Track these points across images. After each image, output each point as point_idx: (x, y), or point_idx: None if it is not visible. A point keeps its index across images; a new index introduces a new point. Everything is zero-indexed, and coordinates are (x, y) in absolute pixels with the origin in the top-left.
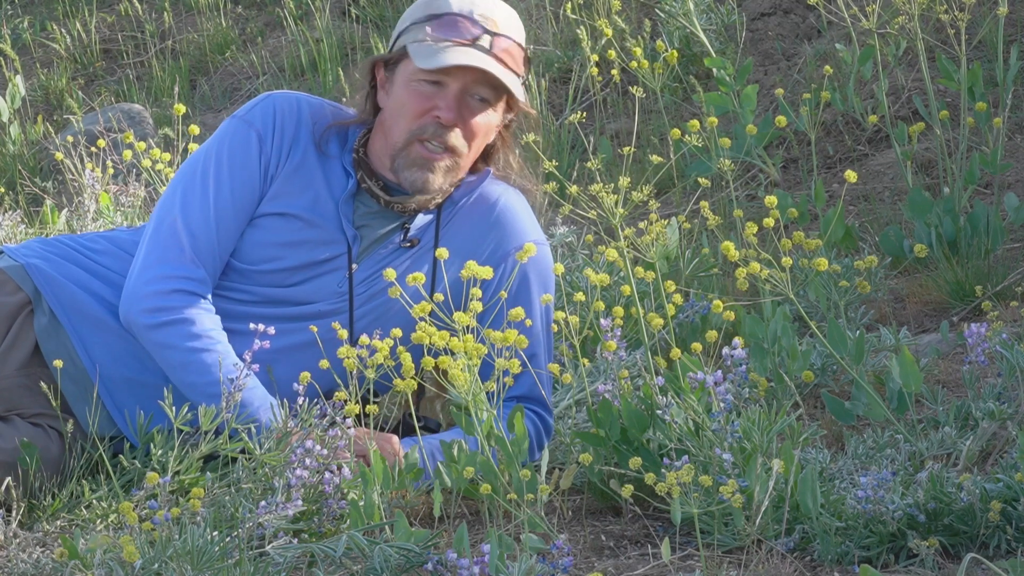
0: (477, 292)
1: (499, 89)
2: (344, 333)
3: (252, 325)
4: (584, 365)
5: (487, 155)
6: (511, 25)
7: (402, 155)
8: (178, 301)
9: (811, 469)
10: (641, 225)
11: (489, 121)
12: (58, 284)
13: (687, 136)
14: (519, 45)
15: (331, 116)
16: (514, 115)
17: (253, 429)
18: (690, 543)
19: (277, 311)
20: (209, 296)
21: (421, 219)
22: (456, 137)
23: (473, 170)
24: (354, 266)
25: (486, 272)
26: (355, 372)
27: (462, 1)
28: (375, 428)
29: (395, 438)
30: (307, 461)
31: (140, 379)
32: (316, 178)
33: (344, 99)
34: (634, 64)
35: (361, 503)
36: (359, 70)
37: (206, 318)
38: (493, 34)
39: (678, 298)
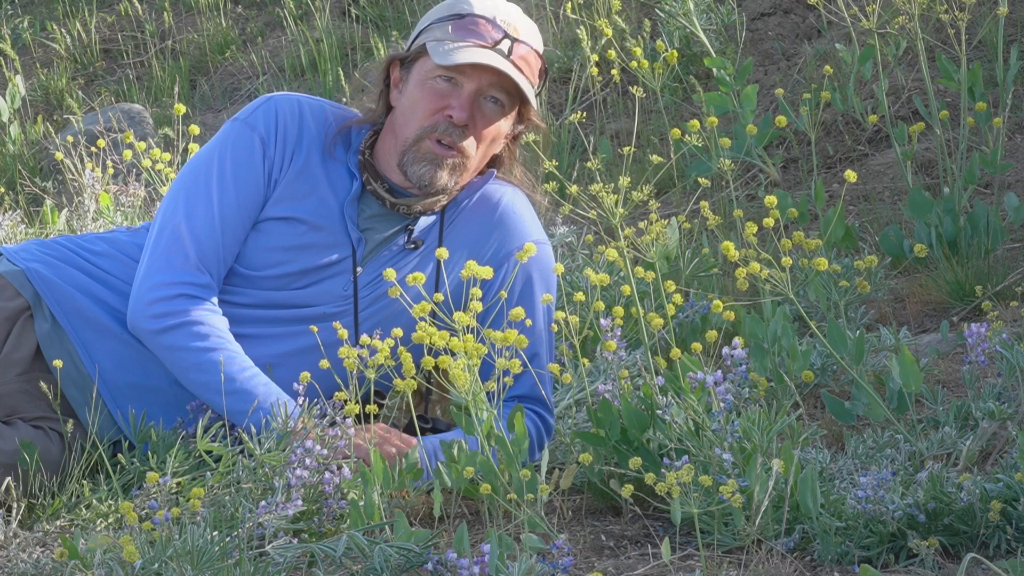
0: (477, 292)
1: (513, 94)
2: (344, 333)
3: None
4: (584, 365)
5: (492, 164)
6: (531, 35)
7: (412, 151)
8: (184, 305)
9: (811, 469)
10: (641, 225)
11: (500, 126)
12: (59, 289)
13: (687, 136)
14: (537, 55)
15: (332, 117)
16: (524, 127)
17: (263, 421)
18: (690, 543)
19: (281, 314)
20: (215, 300)
21: (425, 221)
22: (466, 138)
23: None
24: (359, 269)
25: (486, 272)
26: (355, 373)
27: (485, 5)
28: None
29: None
30: (307, 461)
31: (144, 383)
32: (320, 181)
33: (344, 100)
34: (634, 64)
35: (361, 503)
36: (376, 68)
37: (214, 318)
38: (513, 39)
39: (678, 298)
